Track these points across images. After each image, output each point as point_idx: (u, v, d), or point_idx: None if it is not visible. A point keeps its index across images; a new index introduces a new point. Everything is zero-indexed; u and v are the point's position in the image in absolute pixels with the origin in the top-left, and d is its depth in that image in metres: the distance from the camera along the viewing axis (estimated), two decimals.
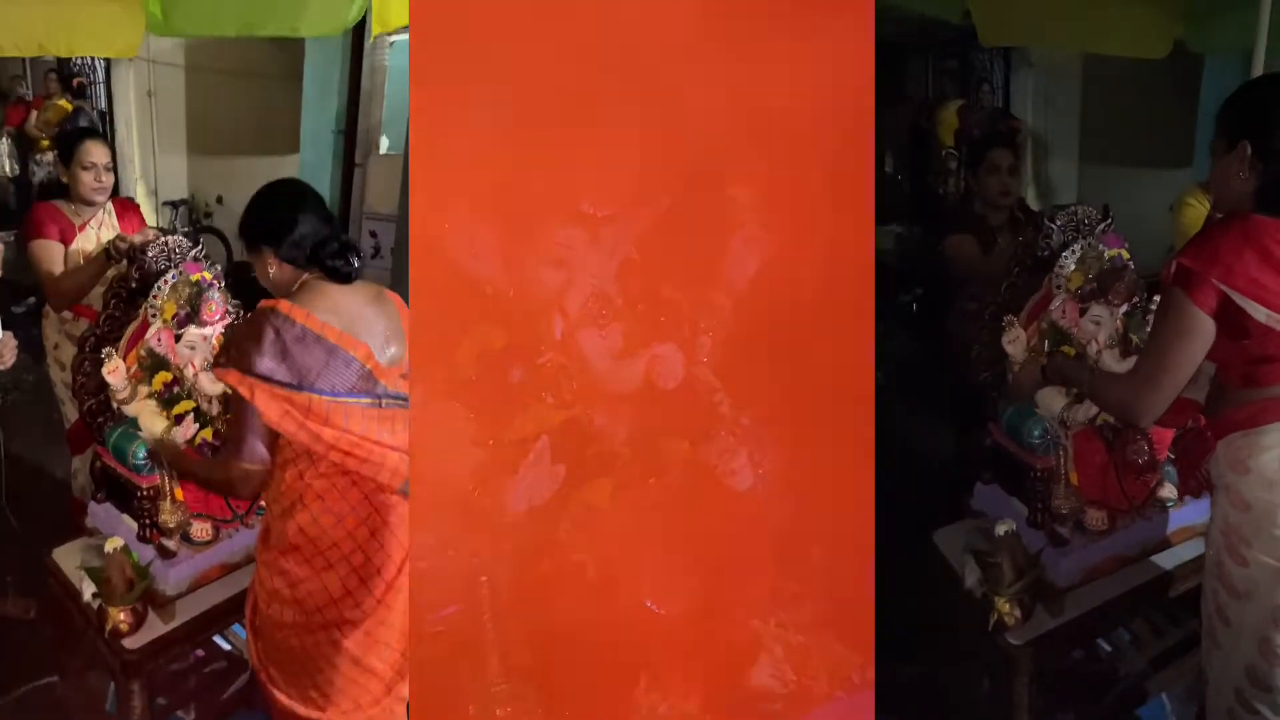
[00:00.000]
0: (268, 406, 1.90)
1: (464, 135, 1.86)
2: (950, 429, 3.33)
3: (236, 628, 2.50)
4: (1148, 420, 2.03)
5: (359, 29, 3.71)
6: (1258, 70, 2.75)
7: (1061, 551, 2.34)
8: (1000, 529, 2.28)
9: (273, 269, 2.07)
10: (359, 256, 2.10)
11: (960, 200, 4.53)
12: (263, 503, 2.24)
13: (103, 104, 6.54)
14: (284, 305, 1.96)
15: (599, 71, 1.84)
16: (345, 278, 2.05)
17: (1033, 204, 5.65)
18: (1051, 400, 2.35)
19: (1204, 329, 1.82)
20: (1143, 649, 2.55)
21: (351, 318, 2.01)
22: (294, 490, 1.99)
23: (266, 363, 1.90)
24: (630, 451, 1.95)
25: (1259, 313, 1.78)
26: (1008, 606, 2.23)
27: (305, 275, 2.06)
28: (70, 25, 3.60)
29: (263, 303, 2.00)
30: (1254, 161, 1.83)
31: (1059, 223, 2.42)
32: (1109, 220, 2.41)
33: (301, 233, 2.05)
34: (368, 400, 1.98)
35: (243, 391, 1.89)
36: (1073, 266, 2.37)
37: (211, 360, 2.44)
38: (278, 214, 2.08)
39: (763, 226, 1.94)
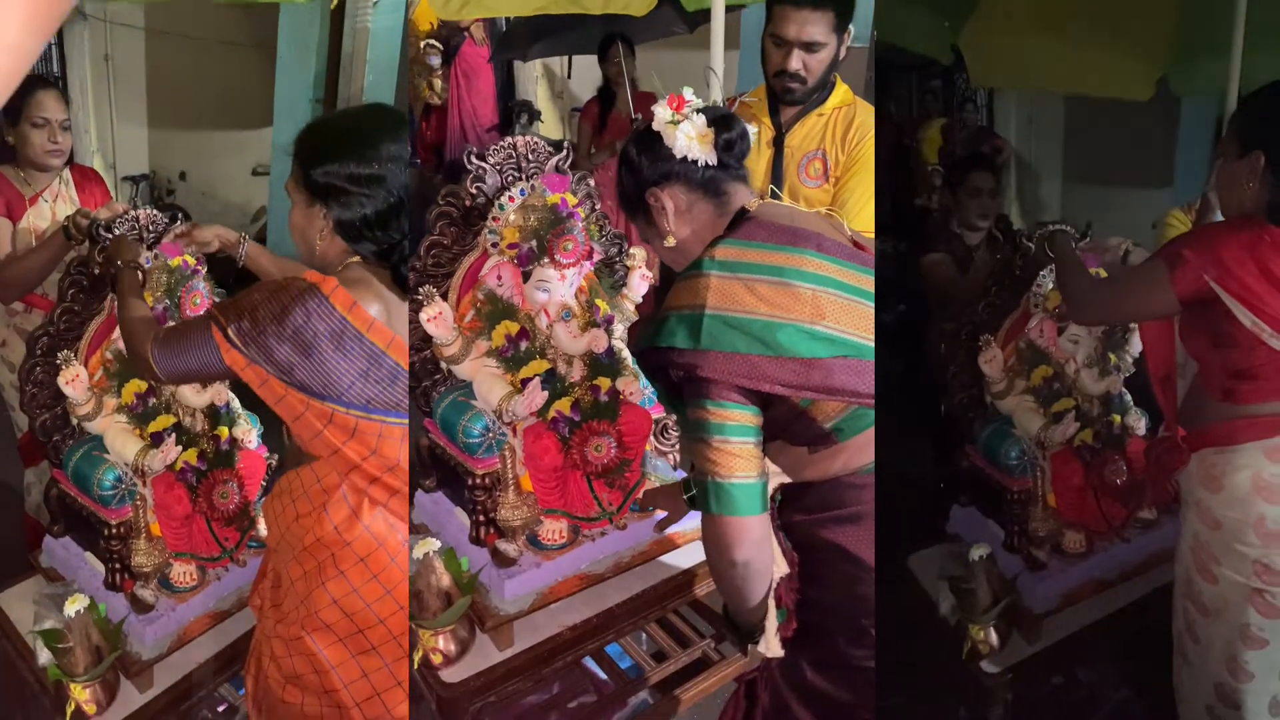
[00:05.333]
0: (281, 406, 1.47)
1: None
2: (927, 450, 3.28)
3: (236, 684, 2.07)
4: (1078, 320, 2.25)
5: None
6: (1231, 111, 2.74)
7: (1038, 576, 2.30)
8: (975, 554, 2.24)
9: (321, 239, 1.54)
10: None
11: (939, 219, 4.54)
12: (260, 530, 1.83)
13: (55, 67, 5.66)
14: (329, 285, 1.45)
15: None
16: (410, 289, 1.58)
17: (1016, 222, 5.64)
18: (1029, 421, 2.30)
19: (1166, 302, 1.79)
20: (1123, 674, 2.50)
21: (403, 321, 1.55)
22: (325, 548, 1.51)
23: (285, 352, 1.42)
24: None
25: (1245, 317, 1.72)
26: (982, 634, 2.18)
27: (356, 257, 1.55)
28: None
29: (306, 274, 1.49)
30: (1266, 174, 1.74)
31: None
32: (1087, 238, 2.38)
33: (391, 217, 1.51)
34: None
35: (248, 378, 1.45)
36: (1050, 285, 2.33)
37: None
38: (370, 170, 1.49)
39: None
